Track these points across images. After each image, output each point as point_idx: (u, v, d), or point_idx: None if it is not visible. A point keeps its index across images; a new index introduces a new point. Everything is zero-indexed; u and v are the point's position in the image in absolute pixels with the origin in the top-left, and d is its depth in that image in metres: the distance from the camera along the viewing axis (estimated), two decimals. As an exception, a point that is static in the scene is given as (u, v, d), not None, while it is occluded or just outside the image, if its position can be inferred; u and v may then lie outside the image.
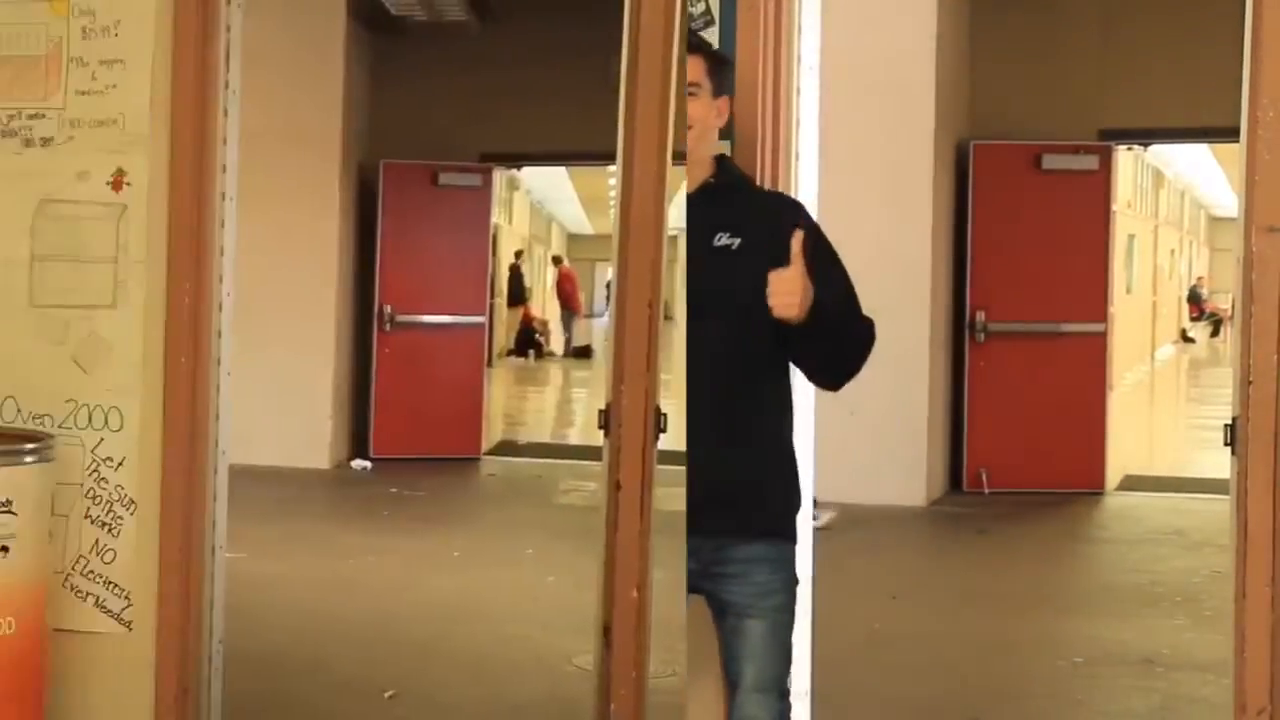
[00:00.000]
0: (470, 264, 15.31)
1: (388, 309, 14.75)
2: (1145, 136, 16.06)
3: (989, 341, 13.22)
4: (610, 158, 5.06)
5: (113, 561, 5.44)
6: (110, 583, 5.44)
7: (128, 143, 5.40)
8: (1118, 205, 16.77)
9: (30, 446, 5.02)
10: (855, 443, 11.59)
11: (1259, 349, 4.36)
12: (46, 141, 5.43)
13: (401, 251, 14.71)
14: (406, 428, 14.65)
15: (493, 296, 18.74)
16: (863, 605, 8.69)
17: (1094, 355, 13.52)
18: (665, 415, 5.02)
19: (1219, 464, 4.67)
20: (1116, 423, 14.50)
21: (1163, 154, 30.06)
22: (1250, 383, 4.35)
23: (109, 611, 5.44)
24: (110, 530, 5.43)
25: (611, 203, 5.68)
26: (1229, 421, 4.38)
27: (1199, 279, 45.42)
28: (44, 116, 5.42)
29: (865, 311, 4.38)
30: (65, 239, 5.43)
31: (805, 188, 5.09)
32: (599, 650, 5.10)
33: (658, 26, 4.96)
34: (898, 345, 10.11)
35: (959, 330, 13.33)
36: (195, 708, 5.53)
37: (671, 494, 12.03)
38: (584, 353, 34.48)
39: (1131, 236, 29.95)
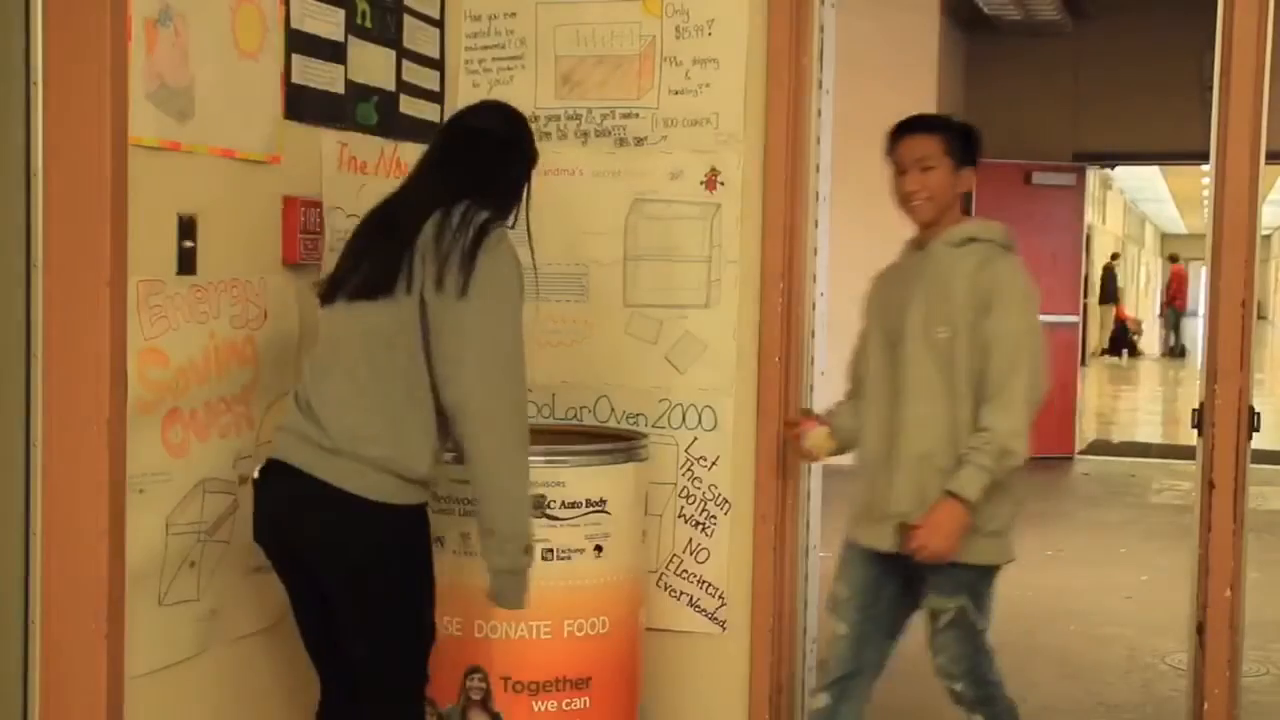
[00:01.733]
0: (1063, 263, 15.40)
1: (980, 307, 14.85)
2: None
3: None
4: (1203, 157, 5.10)
5: (706, 561, 5.47)
6: (704, 582, 5.47)
7: (721, 142, 5.42)
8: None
9: (624, 446, 5.06)
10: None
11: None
12: (640, 141, 5.49)
13: (993, 250, 14.86)
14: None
15: (1085, 296, 18.72)
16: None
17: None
18: (1259, 414, 5.03)
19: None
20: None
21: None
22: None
23: (702, 611, 5.47)
24: (704, 530, 5.46)
25: (1205, 202, 5.63)
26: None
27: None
28: (636, 116, 5.48)
29: None
30: (658, 239, 5.48)
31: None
32: (1192, 649, 5.16)
33: (1251, 26, 4.92)
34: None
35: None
36: (789, 706, 5.55)
37: (1265, 493, 11.68)
38: (1179, 352, 33.87)
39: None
